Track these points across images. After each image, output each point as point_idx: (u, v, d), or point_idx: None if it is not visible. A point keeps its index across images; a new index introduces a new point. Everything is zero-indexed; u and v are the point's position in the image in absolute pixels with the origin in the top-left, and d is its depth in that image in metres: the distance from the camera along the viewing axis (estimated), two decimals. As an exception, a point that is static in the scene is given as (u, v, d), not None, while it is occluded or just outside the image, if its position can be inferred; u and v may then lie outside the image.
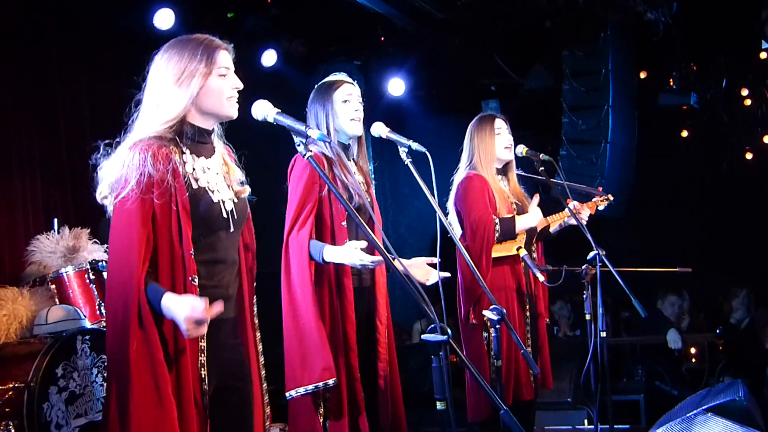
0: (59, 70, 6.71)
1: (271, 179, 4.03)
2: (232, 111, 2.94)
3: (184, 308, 2.58)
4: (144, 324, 2.63)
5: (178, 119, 2.85)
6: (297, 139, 2.89)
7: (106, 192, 2.80)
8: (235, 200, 2.98)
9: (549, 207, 4.91)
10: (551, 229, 4.90)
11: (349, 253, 3.53)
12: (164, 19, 6.70)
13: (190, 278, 2.76)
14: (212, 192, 2.89)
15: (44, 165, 6.40)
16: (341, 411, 3.65)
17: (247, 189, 3.09)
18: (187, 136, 2.90)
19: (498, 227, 4.52)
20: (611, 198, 5.03)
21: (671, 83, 9.34)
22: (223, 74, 2.90)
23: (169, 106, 2.84)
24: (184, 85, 2.84)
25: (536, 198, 4.70)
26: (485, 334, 4.51)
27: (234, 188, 3.01)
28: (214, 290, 2.88)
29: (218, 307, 2.64)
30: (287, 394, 3.61)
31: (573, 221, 4.72)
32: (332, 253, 3.58)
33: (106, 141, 2.88)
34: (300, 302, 3.61)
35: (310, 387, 3.55)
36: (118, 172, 2.74)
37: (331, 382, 3.55)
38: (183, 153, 2.87)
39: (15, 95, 6.27)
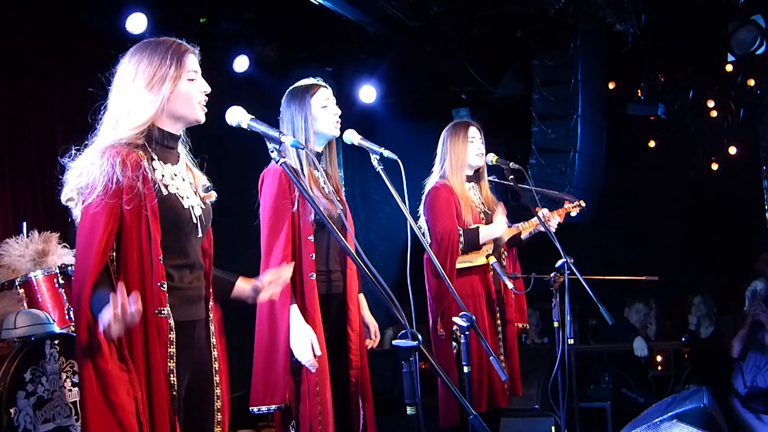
0: (29, 73, 6.66)
1: (244, 184, 4.04)
2: (201, 115, 2.96)
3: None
4: (91, 330, 2.62)
5: (148, 124, 2.86)
6: (270, 146, 2.91)
7: (72, 195, 2.77)
8: (203, 206, 3.01)
9: (519, 214, 4.96)
10: (522, 236, 4.94)
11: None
12: (137, 23, 6.67)
13: (158, 284, 2.76)
14: (182, 198, 2.91)
15: (13, 169, 6.35)
16: (311, 424, 3.66)
17: (213, 194, 3.10)
18: (156, 141, 2.90)
19: (462, 239, 4.56)
20: (583, 204, 5.07)
21: (639, 94, 9.44)
22: (192, 78, 2.91)
23: (140, 110, 2.84)
24: (155, 90, 2.84)
25: (500, 207, 4.74)
26: (454, 344, 4.53)
27: (200, 194, 3.02)
28: (188, 292, 2.91)
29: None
30: (251, 408, 3.64)
31: (542, 229, 4.76)
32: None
33: (76, 145, 2.88)
34: (276, 321, 3.64)
35: (273, 407, 3.61)
36: (86, 177, 2.73)
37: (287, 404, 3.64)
38: (153, 159, 2.87)
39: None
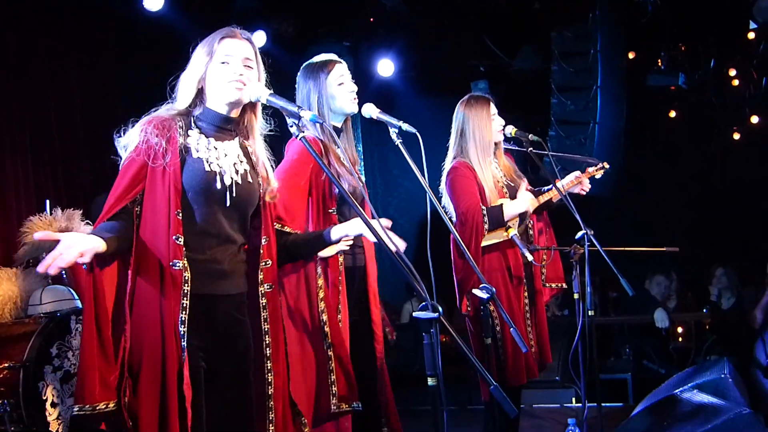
0: (48, 53, 6.70)
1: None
2: (231, 94, 3.02)
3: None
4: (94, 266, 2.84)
5: (187, 105, 3.05)
6: (290, 121, 2.92)
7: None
8: (239, 182, 3.05)
9: (537, 185, 4.93)
10: (554, 199, 4.88)
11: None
12: (154, 1, 6.67)
13: (174, 237, 2.87)
14: (209, 164, 2.99)
15: (35, 148, 6.41)
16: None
17: (272, 190, 3.21)
18: (202, 118, 3.07)
19: (486, 218, 4.50)
20: (607, 166, 4.99)
21: (660, 64, 9.36)
22: (223, 61, 3.02)
23: (182, 91, 3.06)
24: (192, 73, 3.05)
25: (524, 183, 4.69)
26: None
27: (248, 178, 3.09)
28: (205, 265, 2.96)
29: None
30: None
31: (577, 190, 4.73)
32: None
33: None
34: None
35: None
36: (126, 140, 3.00)
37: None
38: (191, 128, 3.02)
39: (4, 79, 6.27)
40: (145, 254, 2.89)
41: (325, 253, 3.56)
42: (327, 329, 3.46)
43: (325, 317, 3.48)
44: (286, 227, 3.36)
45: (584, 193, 4.86)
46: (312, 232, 3.48)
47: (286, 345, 3.31)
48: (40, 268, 2.62)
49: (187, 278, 2.88)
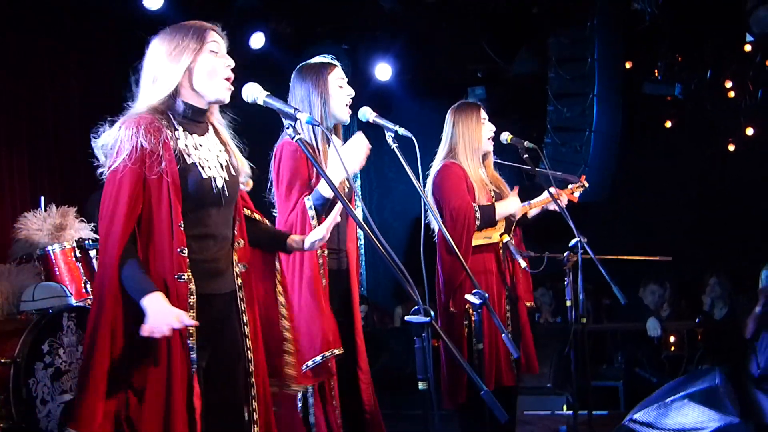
0: (48, 53, 6.70)
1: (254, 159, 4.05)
2: (222, 94, 2.98)
3: (167, 317, 2.64)
4: (117, 297, 2.72)
5: (170, 93, 2.92)
6: (286, 122, 2.92)
7: (102, 163, 2.88)
8: (226, 178, 3.02)
9: (532, 194, 4.94)
10: (529, 215, 4.89)
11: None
12: (153, -1, 6.67)
13: (178, 249, 2.81)
14: (203, 168, 2.94)
15: (31, 145, 6.40)
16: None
17: (250, 183, 3.19)
18: (179, 112, 2.96)
19: (478, 215, 4.46)
20: (586, 184, 5.01)
21: (656, 73, 9.39)
22: (214, 51, 2.96)
23: (163, 80, 2.91)
24: (176, 60, 2.91)
25: (516, 189, 4.69)
26: (465, 322, 4.47)
27: (232, 169, 3.06)
28: (205, 264, 2.93)
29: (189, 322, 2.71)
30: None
31: (553, 207, 4.73)
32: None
33: (95, 120, 2.94)
34: (309, 276, 3.64)
35: (318, 358, 3.57)
36: (112, 143, 2.83)
37: (336, 351, 3.60)
38: (176, 129, 2.92)
39: (4, 79, 6.27)
40: (147, 269, 2.80)
41: (314, 236, 3.43)
42: (284, 311, 3.40)
43: (282, 299, 3.42)
44: (255, 214, 3.33)
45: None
46: (280, 230, 3.46)
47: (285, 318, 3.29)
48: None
49: (192, 290, 2.84)
